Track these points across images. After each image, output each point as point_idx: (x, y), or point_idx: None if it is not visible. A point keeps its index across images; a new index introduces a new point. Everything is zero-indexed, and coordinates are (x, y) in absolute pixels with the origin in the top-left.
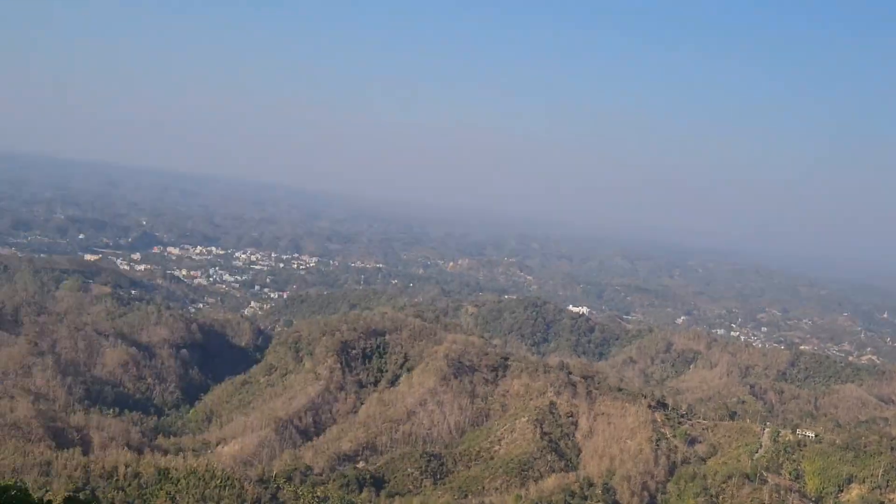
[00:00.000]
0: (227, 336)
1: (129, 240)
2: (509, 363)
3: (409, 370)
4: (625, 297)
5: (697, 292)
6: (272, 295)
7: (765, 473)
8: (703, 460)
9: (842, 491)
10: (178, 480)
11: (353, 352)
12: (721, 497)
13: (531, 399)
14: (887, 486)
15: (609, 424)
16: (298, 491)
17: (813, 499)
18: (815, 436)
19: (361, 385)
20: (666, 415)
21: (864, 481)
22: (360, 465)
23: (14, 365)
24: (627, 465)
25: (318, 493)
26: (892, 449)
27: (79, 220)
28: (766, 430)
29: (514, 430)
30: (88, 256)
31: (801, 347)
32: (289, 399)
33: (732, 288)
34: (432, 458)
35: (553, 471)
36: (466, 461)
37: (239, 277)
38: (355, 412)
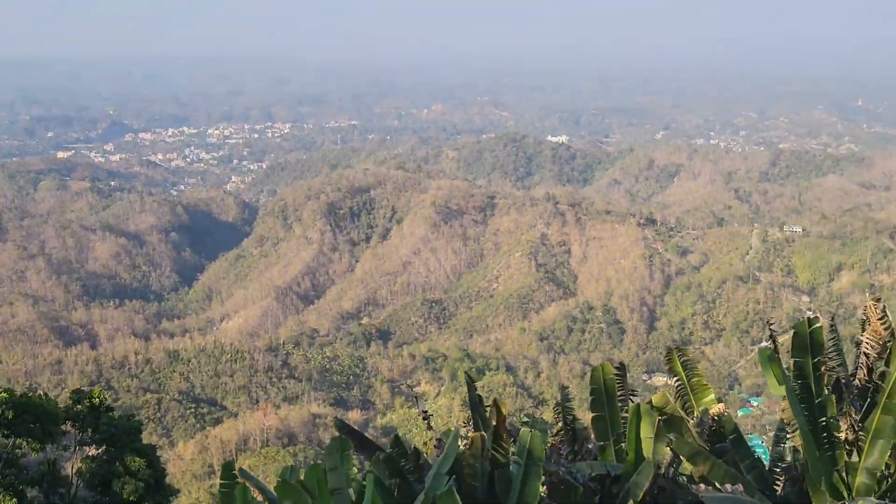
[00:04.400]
0: (213, 214)
1: (99, 131)
2: (496, 201)
3: (398, 222)
4: (602, 120)
5: (673, 105)
6: (251, 167)
7: (757, 273)
8: (697, 269)
9: (833, 280)
10: (189, 360)
11: (341, 212)
12: (717, 302)
13: (522, 234)
14: (875, 268)
15: (601, 248)
16: (308, 354)
17: (806, 291)
18: (803, 230)
19: (354, 243)
20: (656, 230)
21: (853, 267)
22: (365, 321)
23: (6, 272)
24: (624, 285)
25: (328, 354)
26: (877, 233)
27: (45, 119)
28: (755, 231)
29: (509, 266)
30: (61, 154)
31: (781, 146)
32: (284, 267)
33: (707, 97)
34: (433, 304)
35: (552, 300)
36: (467, 303)
37: (215, 154)
38: (352, 271)
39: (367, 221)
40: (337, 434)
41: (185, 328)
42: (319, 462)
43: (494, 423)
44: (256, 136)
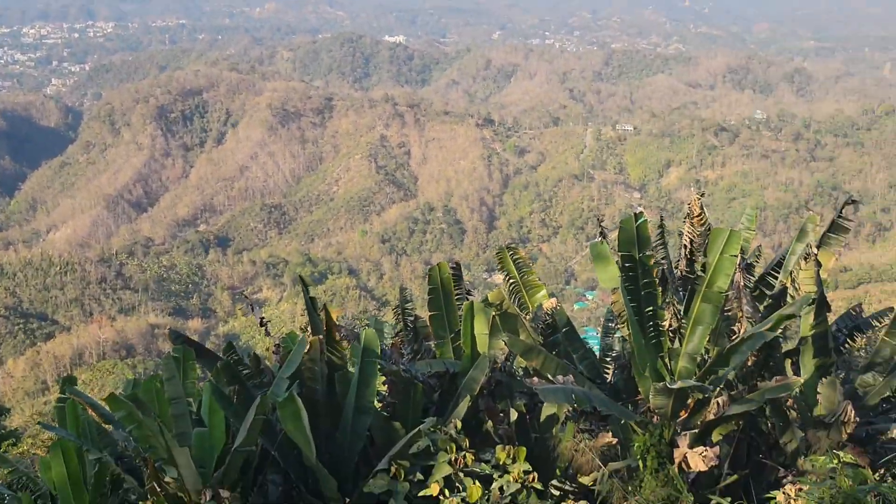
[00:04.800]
0: (33, 119)
1: None
2: (334, 103)
3: (233, 126)
4: (438, 19)
5: (509, 5)
6: (73, 69)
7: (591, 171)
8: (534, 169)
9: (662, 176)
10: (15, 274)
11: (172, 115)
12: (554, 200)
13: (361, 136)
14: (701, 164)
15: (441, 149)
16: (143, 264)
17: (637, 187)
18: (634, 128)
19: (187, 148)
20: (494, 131)
21: (681, 164)
22: (202, 228)
23: None
24: (464, 185)
25: (165, 263)
26: (703, 130)
27: None
28: (589, 130)
29: (349, 168)
30: None
31: (613, 46)
32: (114, 174)
33: None
34: (273, 209)
35: (393, 202)
36: (307, 206)
37: (32, 55)
38: (186, 177)
39: (200, 125)
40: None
41: (9, 240)
42: (159, 373)
43: (325, 326)
44: (76, 35)
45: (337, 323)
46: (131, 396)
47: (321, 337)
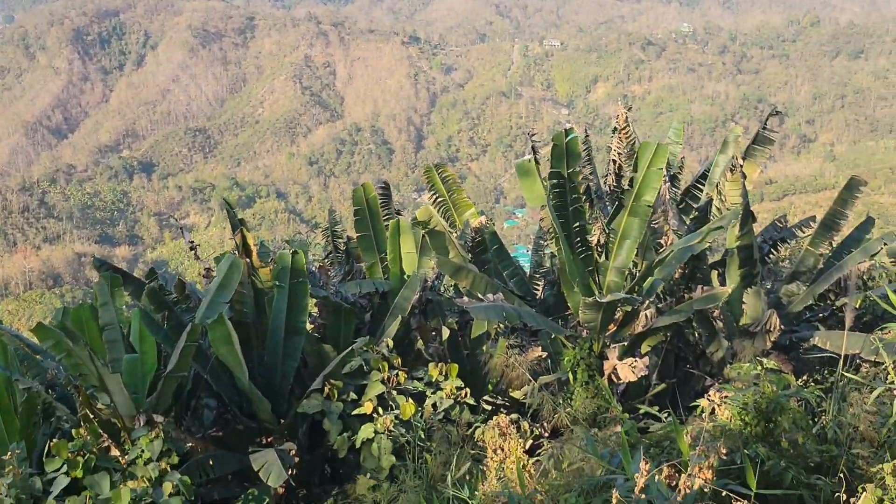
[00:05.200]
0: None
1: None
2: (256, 23)
3: (153, 48)
4: None
5: None
6: None
7: (519, 88)
8: (461, 86)
9: (589, 92)
10: None
11: (89, 38)
12: (482, 118)
13: (285, 56)
14: (628, 79)
15: (367, 68)
16: (67, 191)
17: (565, 104)
18: (561, 44)
19: (106, 72)
20: (420, 49)
21: (608, 79)
22: (125, 153)
23: None
24: (391, 105)
25: (88, 190)
26: (630, 45)
27: None
28: (516, 46)
29: (273, 90)
30: None
31: None
32: (31, 100)
33: None
34: (197, 132)
35: (320, 123)
36: (233, 130)
37: None
38: (107, 101)
39: (118, 48)
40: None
41: None
42: (87, 301)
43: (242, 249)
44: None
45: (265, 246)
46: (60, 325)
47: (247, 259)
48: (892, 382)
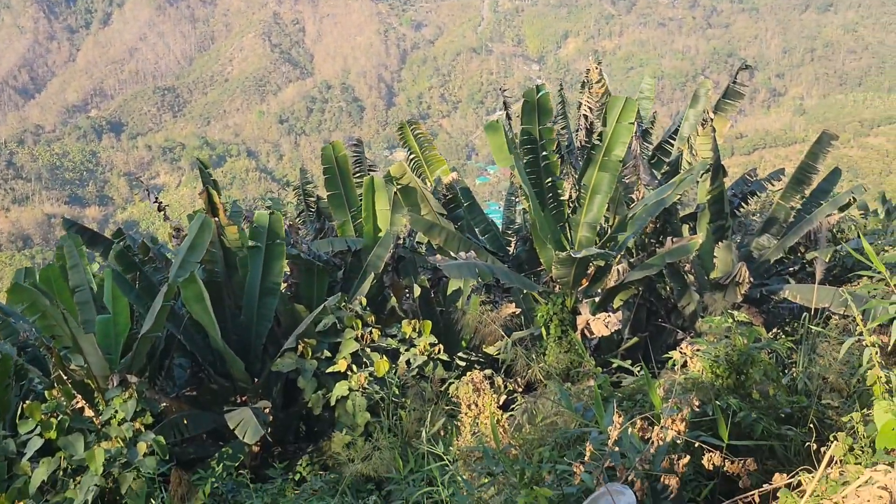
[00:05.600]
0: None
1: None
2: None
3: (119, 6)
4: None
5: None
6: None
7: (489, 44)
8: (431, 43)
9: (560, 47)
10: None
11: None
12: (452, 74)
13: (253, 13)
14: (599, 34)
15: (336, 24)
16: (35, 152)
17: (536, 59)
18: None
19: (72, 31)
20: (389, 4)
21: (578, 34)
22: (93, 113)
23: None
24: (361, 62)
25: (57, 150)
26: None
27: None
28: (486, 1)
29: (242, 48)
30: None
31: None
32: None
33: None
34: (166, 91)
35: (290, 81)
36: (202, 88)
37: None
38: (73, 60)
39: (84, 6)
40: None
41: None
42: (54, 262)
43: (209, 208)
44: None
45: (237, 206)
46: (33, 286)
47: (217, 218)
48: (862, 334)
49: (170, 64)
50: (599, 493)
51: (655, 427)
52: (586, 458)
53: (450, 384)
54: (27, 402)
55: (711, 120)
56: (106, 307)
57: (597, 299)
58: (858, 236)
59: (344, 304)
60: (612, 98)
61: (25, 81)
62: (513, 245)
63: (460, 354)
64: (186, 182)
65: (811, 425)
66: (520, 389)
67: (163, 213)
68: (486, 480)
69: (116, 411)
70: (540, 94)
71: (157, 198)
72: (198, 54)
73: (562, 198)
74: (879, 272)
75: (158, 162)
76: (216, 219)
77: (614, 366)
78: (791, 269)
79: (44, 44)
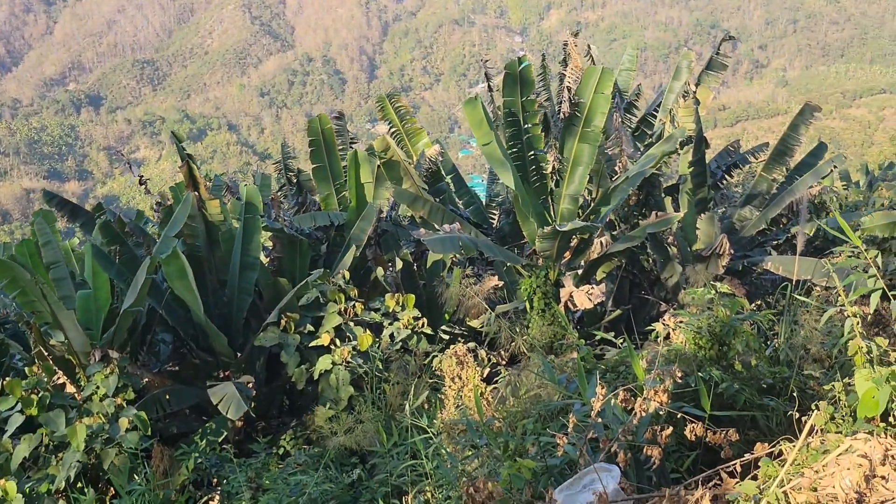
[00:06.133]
0: None
1: None
2: None
3: None
4: None
5: None
6: None
7: (472, 16)
8: (413, 14)
9: (543, 19)
10: None
11: None
12: (435, 47)
13: None
14: (582, 5)
15: None
16: (12, 126)
17: (518, 31)
18: None
19: (49, 3)
20: None
21: (561, 6)
22: (72, 86)
23: None
24: (342, 34)
25: (35, 125)
26: None
27: None
28: None
29: (222, 20)
30: None
31: None
32: None
33: None
34: (145, 64)
35: (270, 53)
36: (181, 61)
37: None
38: (51, 33)
39: None
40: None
41: None
42: (29, 238)
43: (189, 182)
44: None
45: (219, 180)
46: (11, 260)
47: (196, 192)
48: (843, 305)
49: (149, 36)
50: (585, 472)
51: (638, 398)
52: (569, 430)
53: (433, 357)
54: (7, 378)
55: (694, 92)
56: (87, 283)
57: (580, 272)
58: (840, 207)
59: (327, 277)
60: (589, 68)
61: (2, 55)
62: (496, 218)
63: (444, 328)
64: (167, 156)
65: (793, 395)
66: (503, 362)
67: (144, 186)
68: (470, 453)
69: (98, 387)
70: (522, 66)
71: (140, 174)
72: (177, 27)
73: (545, 171)
74: (857, 247)
75: (138, 136)
76: (195, 193)
77: (597, 338)
78: (773, 240)
79: (20, 16)
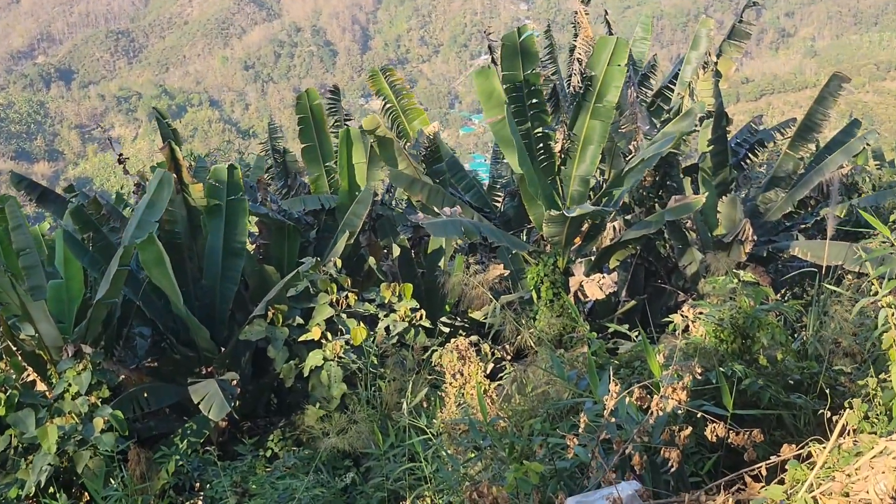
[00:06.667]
0: None
1: None
2: None
3: None
4: None
5: None
6: None
7: None
8: None
9: None
10: None
11: None
12: (433, 15)
13: None
14: None
15: None
16: None
17: None
18: None
19: None
20: None
21: None
22: (41, 59)
23: None
24: (333, 2)
25: (1, 101)
26: None
27: None
28: None
29: None
30: None
31: None
32: None
33: None
34: (120, 35)
35: (255, 23)
36: (159, 32)
37: None
38: (17, 2)
39: None
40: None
41: None
42: None
43: (171, 163)
44: None
45: (203, 161)
46: None
47: (174, 175)
48: (877, 294)
49: (123, 5)
50: (606, 492)
51: (654, 396)
52: (580, 430)
53: (432, 352)
54: None
55: (714, 63)
56: (58, 272)
57: (591, 259)
58: (873, 188)
59: (317, 266)
60: (601, 39)
61: None
62: (500, 201)
63: (444, 320)
64: (144, 134)
65: (823, 393)
66: (508, 357)
67: (123, 166)
68: (473, 455)
69: (70, 384)
70: (523, 36)
71: (120, 152)
72: None
73: (553, 150)
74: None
75: (113, 113)
76: (175, 175)
77: (610, 331)
78: (801, 224)
79: None
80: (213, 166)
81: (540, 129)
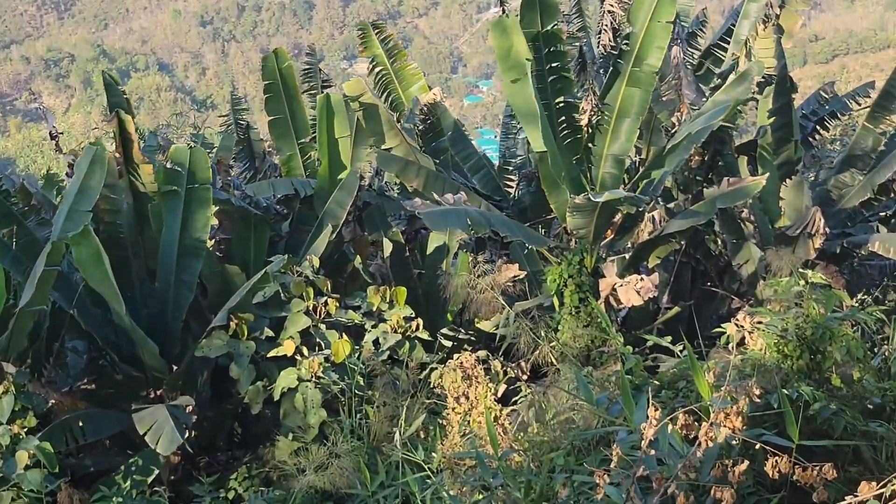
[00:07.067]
0: None
1: None
2: None
3: None
4: None
5: None
6: None
7: None
8: None
9: None
10: None
11: None
12: None
13: None
14: None
15: None
16: None
17: None
18: None
19: None
20: None
21: None
22: None
23: None
24: None
25: None
26: None
27: None
28: None
29: None
30: None
31: None
32: None
33: None
34: None
35: None
36: None
37: None
38: None
39: None
40: None
41: None
42: None
43: (119, 139)
44: None
45: (154, 136)
46: None
47: (117, 154)
48: None
49: None
50: None
51: (703, 424)
52: (612, 466)
53: (432, 370)
54: None
55: (777, 16)
56: None
57: (626, 257)
58: None
59: (290, 266)
60: None
61: None
62: (514, 186)
63: (445, 331)
64: (78, 105)
65: None
66: (524, 377)
67: (55, 142)
68: (481, 496)
69: None
70: None
71: (53, 124)
72: None
73: (578, 123)
74: None
75: (40, 79)
76: (122, 155)
77: (649, 344)
78: (881, 213)
79: None
80: (174, 146)
81: (562, 99)
